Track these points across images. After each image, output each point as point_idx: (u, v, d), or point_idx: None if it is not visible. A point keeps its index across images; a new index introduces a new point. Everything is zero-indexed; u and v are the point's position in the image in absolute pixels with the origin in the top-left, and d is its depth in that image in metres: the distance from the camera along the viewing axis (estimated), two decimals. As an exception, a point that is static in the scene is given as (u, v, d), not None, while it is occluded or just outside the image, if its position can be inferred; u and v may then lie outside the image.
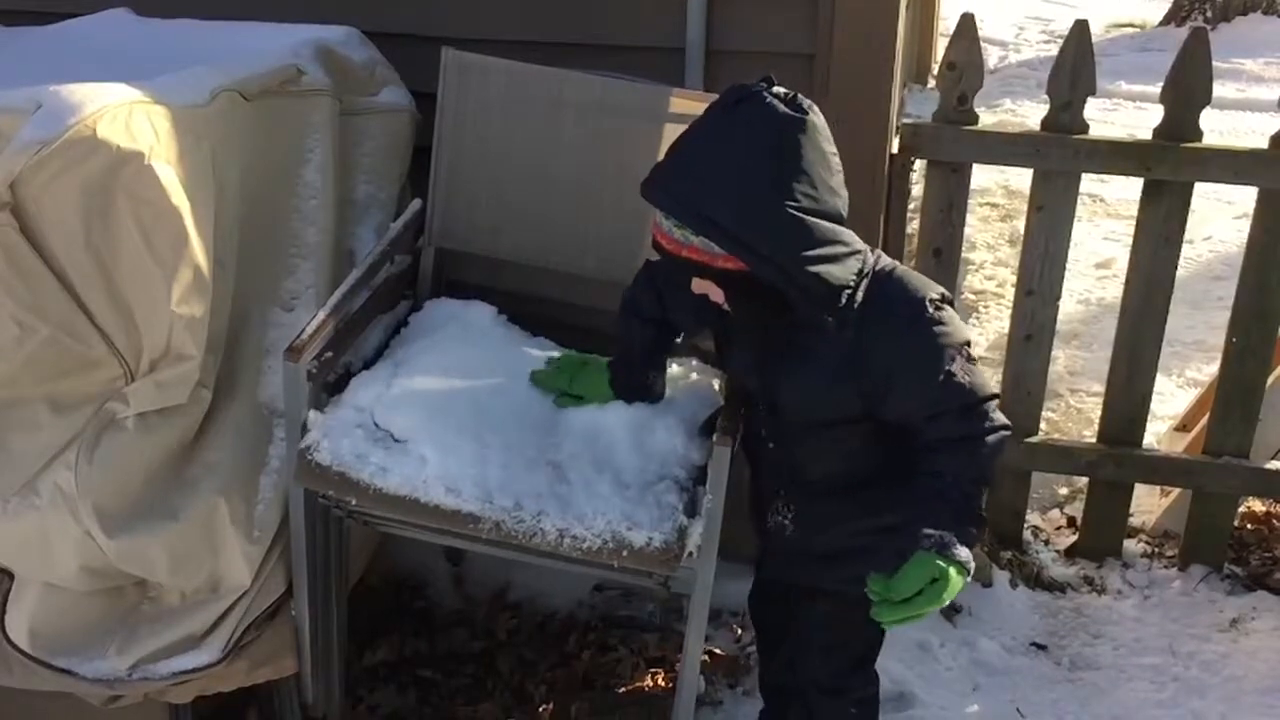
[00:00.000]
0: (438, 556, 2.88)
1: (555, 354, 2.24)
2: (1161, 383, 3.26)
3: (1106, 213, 5.16)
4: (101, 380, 1.97)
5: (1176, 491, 3.11)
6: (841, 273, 1.75)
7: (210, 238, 1.99)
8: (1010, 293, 3.71)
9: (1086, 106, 2.68)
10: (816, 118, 1.72)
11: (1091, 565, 3.03)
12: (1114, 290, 4.00)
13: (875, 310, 1.80)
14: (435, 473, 1.98)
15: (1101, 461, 2.93)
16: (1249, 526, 3.14)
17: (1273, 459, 2.93)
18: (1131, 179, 2.72)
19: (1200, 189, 2.72)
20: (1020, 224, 3.45)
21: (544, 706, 2.55)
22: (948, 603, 1.75)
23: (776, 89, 1.72)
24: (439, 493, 1.97)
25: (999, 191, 5.29)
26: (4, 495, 1.95)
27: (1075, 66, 2.63)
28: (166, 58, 2.18)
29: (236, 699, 2.27)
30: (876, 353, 1.81)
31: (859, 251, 1.80)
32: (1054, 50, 3.34)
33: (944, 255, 2.78)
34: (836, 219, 1.74)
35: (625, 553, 1.92)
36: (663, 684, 2.61)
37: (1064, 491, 3.33)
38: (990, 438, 1.82)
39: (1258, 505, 3.19)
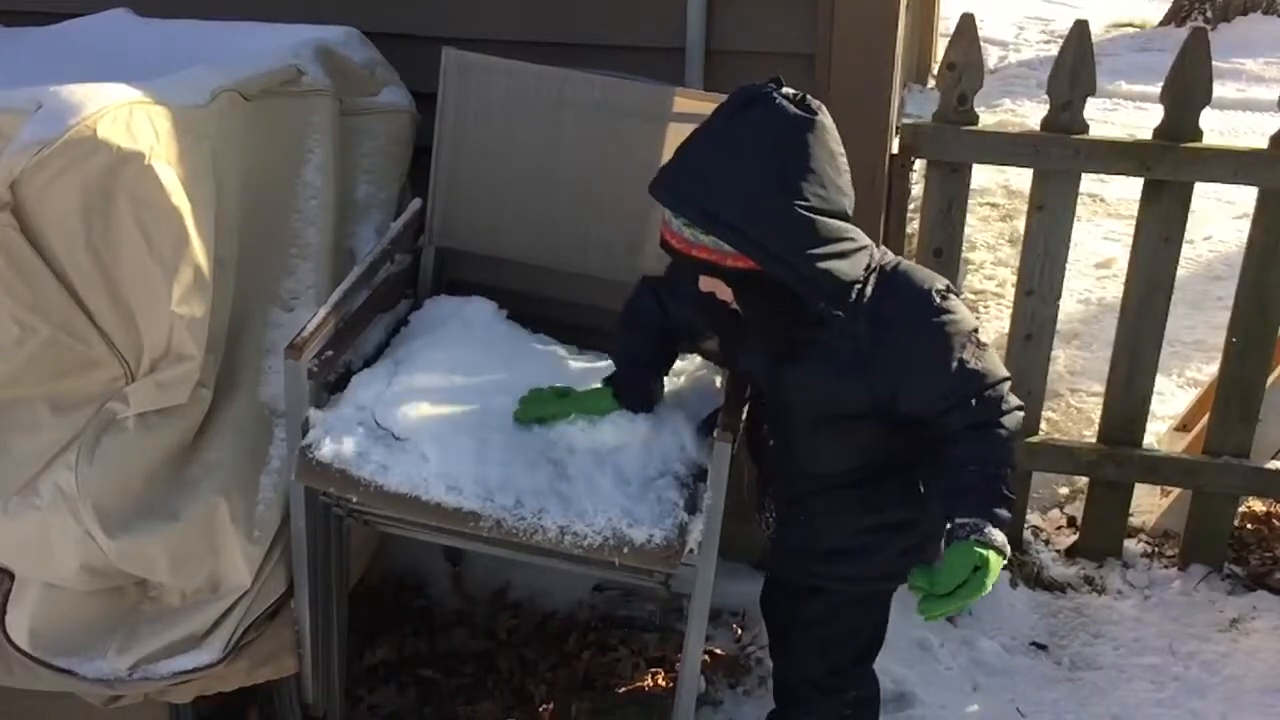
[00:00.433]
0: (437, 556, 2.88)
1: (527, 391, 2.11)
2: (1161, 383, 3.26)
3: (1106, 212, 5.16)
4: (102, 380, 1.97)
5: (1176, 491, 3.10)
6: (851, 268, 1.76)
7: (210, 238, 1.99)
8: (1010, 292, 3.71)
9: (1086, 106, 2.68)
10: (825, 118, 1.73)
11: (1091, 565, 3.03)
12: (1114, 290, 4.00)
13: (884, 304, 1.82)
14: (436, 470, 1.98)
15: (1101, 461, 2.93)
16: (1249, 526, 3.14)
17: (1273, 459, 2.92)
18: (1131, 179, 2.71)
19: (1200, 189, 2.72)
20: (1020, 224, 3.45)
21: (544, 706, 2.55)
22: (990, 588, 1.75)
23: (786, 90, 1.73)
24: (440, 490, 1.97)
25: (999, 191, 5.29)
26: (4, 495, 1.95)
27: (1075, 66, 2.63)
28: (166, 58, 2.18)
29: (237, 699, 2.27)
30: (888, 346, 1.81)
31: (866, 247, 1.81)
32: (1054, 50, 3.34)
33: (944, 255, 2.78)
34: (844, 218, 1.75)
35: (626, 549, 1.92)
36: (663, 684, 2.61)
37: (1064, 491, 3.33)
38: (1008, 419, 1.83)
39: (1258, 505, 3.19)
